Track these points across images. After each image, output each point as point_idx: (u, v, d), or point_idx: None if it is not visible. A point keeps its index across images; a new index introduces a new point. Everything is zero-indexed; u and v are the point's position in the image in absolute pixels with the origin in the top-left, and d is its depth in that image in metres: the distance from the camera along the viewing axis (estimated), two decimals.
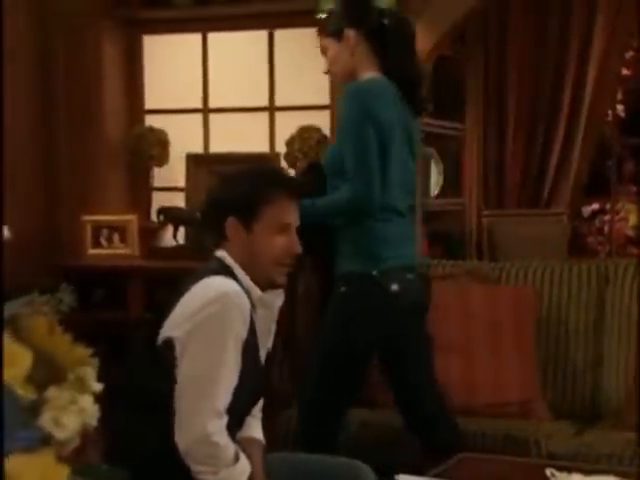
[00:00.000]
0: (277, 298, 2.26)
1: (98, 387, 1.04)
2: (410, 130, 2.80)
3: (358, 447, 2.87)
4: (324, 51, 2.84)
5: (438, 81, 4.43)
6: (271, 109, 4.54)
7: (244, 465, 2.12)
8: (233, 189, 2.22)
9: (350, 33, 2.76)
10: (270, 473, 2.21)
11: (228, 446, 2.09)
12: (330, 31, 2.81)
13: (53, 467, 0.89)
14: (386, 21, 2.79)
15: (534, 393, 3.03)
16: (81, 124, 4.40)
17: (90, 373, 1.03)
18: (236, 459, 2.10)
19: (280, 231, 2.17)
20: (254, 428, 2.29)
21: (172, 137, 4.50)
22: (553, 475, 2.16)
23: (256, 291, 2.17)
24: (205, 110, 4.61)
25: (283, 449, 2.67)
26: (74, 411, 0.98)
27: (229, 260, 2.19)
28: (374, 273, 2.65)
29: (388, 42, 2.77)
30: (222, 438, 2.07)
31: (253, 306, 2.16)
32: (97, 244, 4.29)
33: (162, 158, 4.47)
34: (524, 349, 3.07)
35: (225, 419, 2.09)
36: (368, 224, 2.66)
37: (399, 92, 2.75)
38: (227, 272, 2.16)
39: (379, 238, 2.67)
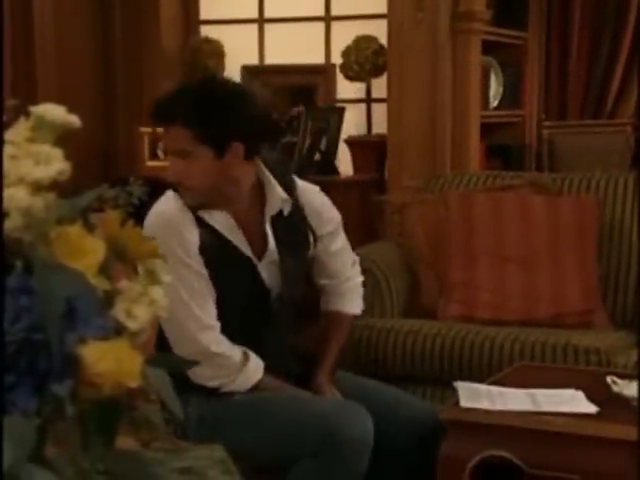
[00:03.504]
0: (272, 206, 2.20)
1: (168, 279, 1.05)
2: None
3: (414, 358, 2.89)
4: None
5: None
6: (327, 19, 4.47)
7: (256, 363, 2.14)
8: None
9: None
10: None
11: (231, 351, 2.11)
12: None
13: (128, 355, 0.90)
14: None
15: (595, 303, 3.00)
16: (137, 35, 4.38)
17: (160, 265, 1.03)
18: (246, 359, 2.12)
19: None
20: (345, 300, 2.33)
21: (227, 48, 4.46)
22: (614, 382, 2.15)
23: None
24: (260, 20, 4.55)
25: None
26: (145, 302, 0.99)
27: None
28: None
29: None
30: (220, 346, 2.10)
31: None
32: (154, 156, 4.31)
33: (218, 70, 4.45)
34: (585, 259, 3.03)
35: (217, 328, 2.10)
36: None
37: None
38: None
39: None
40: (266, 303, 2.21)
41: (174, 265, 2.04)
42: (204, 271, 2.10)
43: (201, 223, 2.13)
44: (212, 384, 2.11)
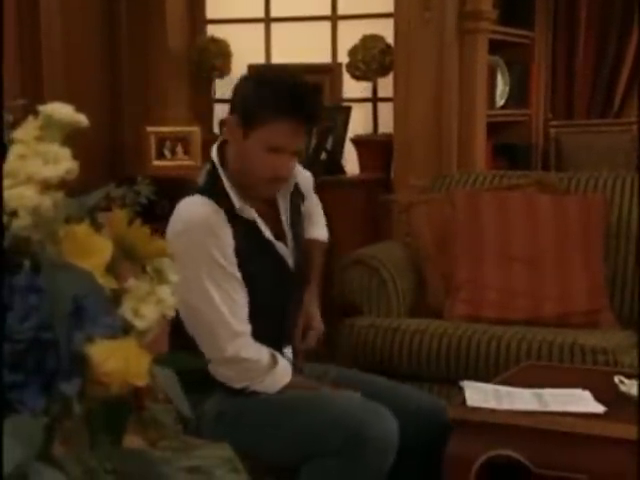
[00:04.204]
0: (297, 180, 2.24)
1: (175, 278, 1.04)
2: None
3: (420, 357, 2.89)
4: None
5: None
6: (333, 18, 4.46)
7: (284, 365, 2.13)
8: (248, 88, 2.13)
9: None
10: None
11: (259, 355, 2.09)
12: None
13: (136, 354, 0.90)
14: None
15: (602, 303, 3.00)
16: (143, 35, 4.38)
17: (168, 264, 1.03)
18: (274, 362, 2.11)
19: (271, 150, 2.08)
20: (314, 229, 2.36)
21: (234, 48, 4.45)
22: (622, 382, 2.14)
23: (236, 202, 2.11)
24: (267, 19, 4.55)
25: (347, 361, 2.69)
26: (152, 302, 0.99)
27: (217, 163, 2.14)
28: None
29: None
30: (249, 351, 2.08)
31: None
32: (161, 155, 4.31)
33: (224, 69, 4.45)
34: (592, 258, 3.03)
35: (247, 333, 2.09)
36: None
37: None
38: (212, 181, 2.12)
39: None
40: (290, 285, 2.24)
41: (209, 265, 2.04)
42: (237, 274, 2.09)
43: (233, 221, 2.10)
44: (239, 386, 2.10)
